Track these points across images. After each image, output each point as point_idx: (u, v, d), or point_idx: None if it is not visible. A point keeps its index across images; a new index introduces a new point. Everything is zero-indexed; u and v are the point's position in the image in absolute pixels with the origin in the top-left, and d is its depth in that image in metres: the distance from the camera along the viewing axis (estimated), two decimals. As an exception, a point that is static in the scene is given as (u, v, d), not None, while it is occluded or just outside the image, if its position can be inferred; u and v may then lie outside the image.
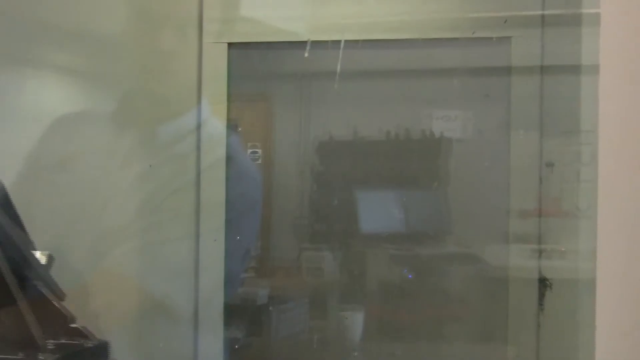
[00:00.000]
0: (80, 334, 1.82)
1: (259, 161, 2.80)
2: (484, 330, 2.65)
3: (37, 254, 1.91)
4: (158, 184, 2.48)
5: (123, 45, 2.58)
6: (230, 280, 2.60)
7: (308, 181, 2.78)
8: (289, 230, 2.81)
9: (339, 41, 2.54)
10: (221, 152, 2.58)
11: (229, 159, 2.57)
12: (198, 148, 2.58)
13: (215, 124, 2.62)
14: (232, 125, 2.65)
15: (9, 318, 1.71)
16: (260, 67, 2.77)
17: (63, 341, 1.80)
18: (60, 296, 1.89)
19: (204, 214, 2.62)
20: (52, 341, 1.80)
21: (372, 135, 2.74)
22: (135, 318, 2.45)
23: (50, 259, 1.93)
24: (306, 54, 2.58)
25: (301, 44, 2.60)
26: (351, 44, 2.57)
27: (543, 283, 2.51)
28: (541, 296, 2.50)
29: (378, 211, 2.75)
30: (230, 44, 2.63)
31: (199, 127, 2.58)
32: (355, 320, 2.75)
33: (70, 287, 1.97)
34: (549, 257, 2.51)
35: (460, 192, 2.68)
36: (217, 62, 2.66)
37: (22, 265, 1.78)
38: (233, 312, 2.65)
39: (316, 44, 2.60)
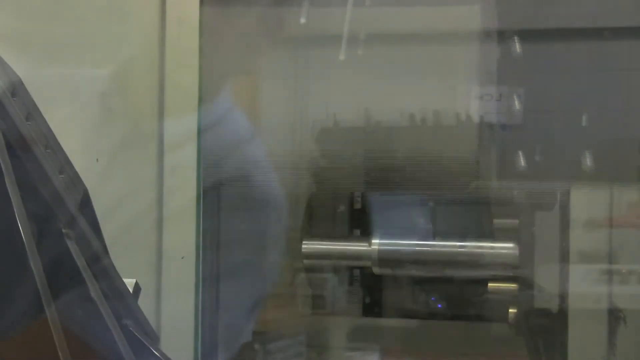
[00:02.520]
0: None
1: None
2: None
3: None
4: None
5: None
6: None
7: (305, 178, 2.58)
8: (279, 244, 2.51)
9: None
10: (191, 138, 2.29)
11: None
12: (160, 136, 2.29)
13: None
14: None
15: None
16: (243, 29, 2.48)
17: None
18: (155, 340, 1.75)
19: (169, 223, 2.29)
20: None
21: (389, 119, 2.53)
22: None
23: (137, 288, 1.76)
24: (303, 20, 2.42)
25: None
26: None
27: (615, 315, 2.26)
28: (612, 332, 2.26)
29: (397, 220, 2.54)
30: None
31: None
32: (368, 365, 2.63)
33: None
34: (623, 281, 2.27)
35: (504, 195, 2.48)
36: (185, 23, 2.36)
37: (110, 296, 1.63)
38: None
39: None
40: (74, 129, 2.16)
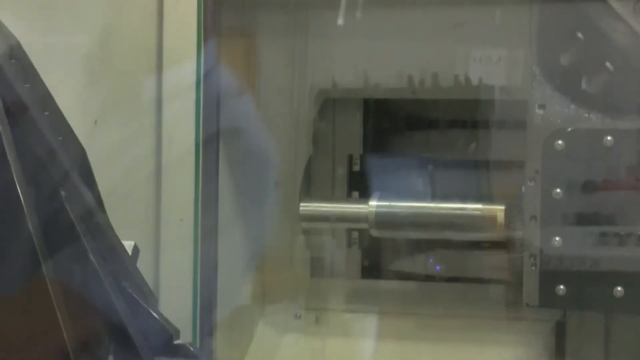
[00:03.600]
0: (187, 353, 1.72)
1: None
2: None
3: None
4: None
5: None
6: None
7: (304, 144, 2.56)
8: (279, 209, 2.54)
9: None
10: (189, 102, 2.30)
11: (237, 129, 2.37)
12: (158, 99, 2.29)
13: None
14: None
15: (106, 336, 1.61)
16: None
17: None
18: (153, 302, 1.77)
19: (167, 188, 2.31)
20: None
21: (388, 82, 2.50)
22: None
23: (136, 250, 1.79)
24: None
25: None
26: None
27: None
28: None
29: (398, 185, 2.50)
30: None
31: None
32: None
33: None
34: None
35: (504, 158, 2.39)
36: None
37: (109, 258, 1.66)
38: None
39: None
40: (71, 86, 2.15)
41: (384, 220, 2.33)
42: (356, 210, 2.36)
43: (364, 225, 2.33)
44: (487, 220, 2.26)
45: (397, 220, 2.34)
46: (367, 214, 2.32)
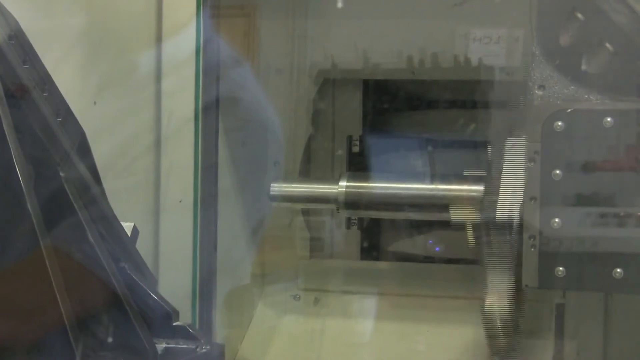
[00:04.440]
0: (186, 334, 1.74)
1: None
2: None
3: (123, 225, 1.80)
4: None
5: None
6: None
7: (303, 122, 2.56)
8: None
9: None
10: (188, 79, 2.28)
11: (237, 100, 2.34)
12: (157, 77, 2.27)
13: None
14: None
15: (105, 317, 1.63)
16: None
17: (172, 345, 1.73)
18: (152, 283, 1.78)
19: (166, 169, 2.30)
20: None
21: (388, 61, 2.49)
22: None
23: (135, 231, 1.78)
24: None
25: None
26: None
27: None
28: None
29: (397, 165, 2.51)
30: None
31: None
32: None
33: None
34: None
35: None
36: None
37: (108, 239, 1.66)
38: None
39: None
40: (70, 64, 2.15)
41: (353, 201, 2.26)
42: (326, 191, 2.31)
43: (333, 206, 2.30)
44: (460, 201, 2.23)
45: (366, 201, 2.28)
46: (337, 195, 2.26)
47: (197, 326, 2.19)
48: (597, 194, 1.91)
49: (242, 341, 2.45)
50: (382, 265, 2.55)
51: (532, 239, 1.89)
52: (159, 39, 2.29)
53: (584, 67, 1.97)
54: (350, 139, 2.57)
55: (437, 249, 2.48)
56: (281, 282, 2.53)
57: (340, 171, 2.55)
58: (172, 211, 2.28)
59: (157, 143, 2.26)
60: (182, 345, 1.74)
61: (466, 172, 2.24)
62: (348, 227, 2.51)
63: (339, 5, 2.41)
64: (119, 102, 2.24)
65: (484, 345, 2.02)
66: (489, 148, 2.05)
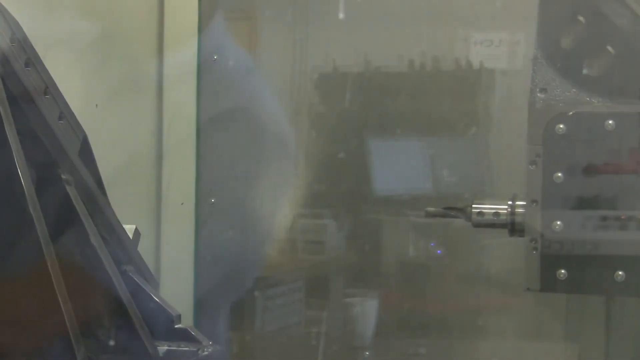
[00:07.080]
0: (188, 337, 1.74)
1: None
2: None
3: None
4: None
5: None
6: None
7: (305, 125, 2.58)
8: (279, 191, 2.56)
9: None
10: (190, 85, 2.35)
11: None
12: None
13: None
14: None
15: (107, 320, 1.62)
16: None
17: (174, 348, 1.72)
18: (154, 286, 1.79)
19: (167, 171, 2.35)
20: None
21: (389, 65, 2.53)
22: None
23: (137, 234, 1.79)
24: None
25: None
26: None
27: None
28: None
29: (397, 166, 2.54)
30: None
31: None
32: (366, 310, 2.55)
33: None
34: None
35: (506, 141, 2.42)
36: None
37: (110, 242, 1.68)
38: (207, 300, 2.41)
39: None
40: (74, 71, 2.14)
41: None
42: None
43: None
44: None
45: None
46: None
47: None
48: (599, 197, 1.92)
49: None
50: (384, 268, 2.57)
51: (533, 242, 1.90)
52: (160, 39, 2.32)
53: (585, 70, 1.98)
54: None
55: (438, 252, 2.49)
56: (283, 285, 2.55)
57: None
58: (173, 213, 2.32)
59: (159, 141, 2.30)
60: (184, 348, 1.72)
61: None
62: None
63: (341, 11, 2.46)
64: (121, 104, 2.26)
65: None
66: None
